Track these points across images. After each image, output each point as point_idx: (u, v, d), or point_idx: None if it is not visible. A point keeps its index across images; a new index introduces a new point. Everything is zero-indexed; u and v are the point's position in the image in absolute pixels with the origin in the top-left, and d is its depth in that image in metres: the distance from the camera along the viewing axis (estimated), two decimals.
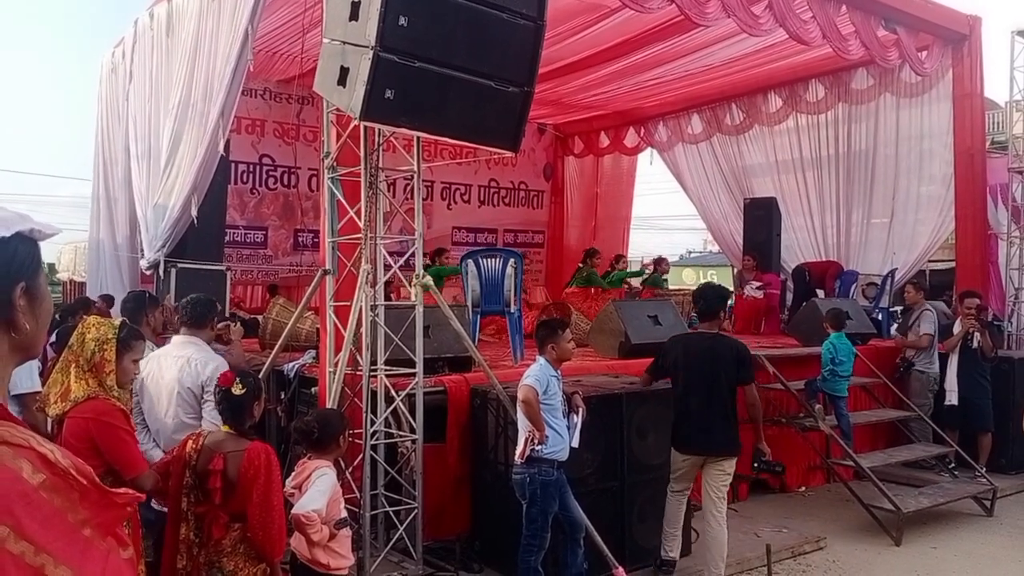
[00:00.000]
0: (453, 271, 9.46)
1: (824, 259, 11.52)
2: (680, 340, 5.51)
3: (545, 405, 4.49)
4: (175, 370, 4.18)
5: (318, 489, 3.59)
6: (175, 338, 4.43)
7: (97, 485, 1.07)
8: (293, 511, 3.50)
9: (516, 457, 4.55)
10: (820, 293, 10.92)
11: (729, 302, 13.49)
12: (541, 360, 4.71)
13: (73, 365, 3.10)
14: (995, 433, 8.06)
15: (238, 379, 3.37)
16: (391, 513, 5.04)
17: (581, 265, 11.65)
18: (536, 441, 4.45)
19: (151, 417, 4.25)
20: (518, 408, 4.62)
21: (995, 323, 9.55)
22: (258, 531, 3.15)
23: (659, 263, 12.69)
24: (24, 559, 0.95)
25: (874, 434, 8.41)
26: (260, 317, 7.87)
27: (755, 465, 5.28)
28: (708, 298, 5.55)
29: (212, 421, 4.08)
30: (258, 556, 3.23)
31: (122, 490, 1.14)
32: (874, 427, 8.31)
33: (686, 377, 5.23)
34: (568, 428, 4.77)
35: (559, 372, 4.75)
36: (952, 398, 8.04)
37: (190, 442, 3.37)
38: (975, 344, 8.07)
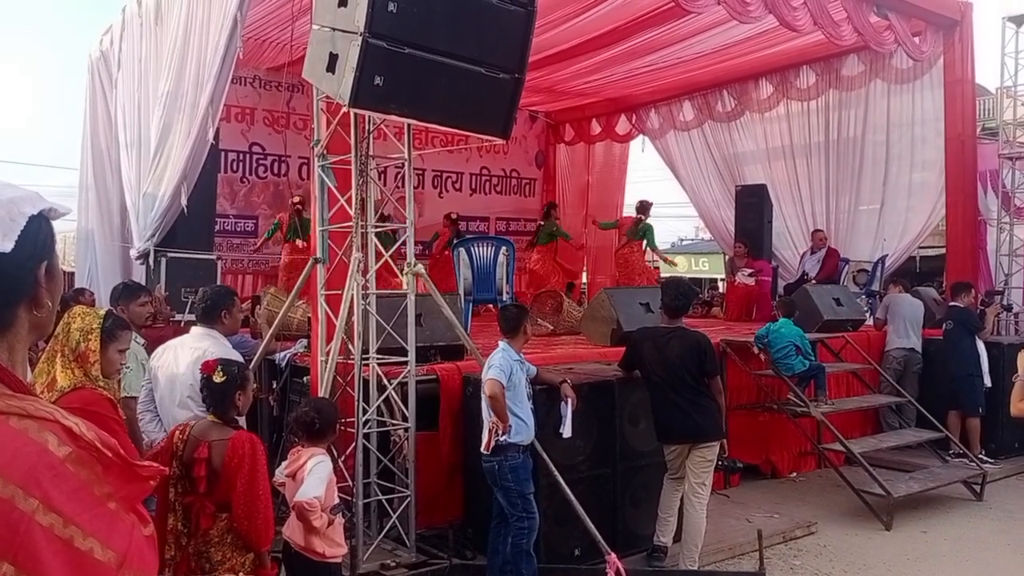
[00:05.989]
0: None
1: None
2: (645, 335, 5.47)
3: (509, 394, 4.51)
4: (191, 361, 4.09)
5: (318, 476, 3.60)
6: (193, 329, 4.36)
7: (122, 458, 1.05)
8: (296, 498, 3.50)
9: (482, 448, 4.60)
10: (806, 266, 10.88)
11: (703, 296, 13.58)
12: (503, 344, 4.71)
13: (59, 355, 3.06)
14: (984, 418, 8.10)
15: (219, 367, 3.36)
16: (384, 501, 5.04)
17: (543, 223, 12.02)
18: (500, 432, 4.49)
19: (162, 407, 4.20)
20: (483, 400, 4.62)
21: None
22: (243, 520, 3.14)
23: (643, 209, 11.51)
24: (54, 531, 0.94)
25: (864, 420, 8.45)
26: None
27: (718, 463, 5.34)
28: (675, 295, 5.43)
29: None
30: (245, 546, 3.22)
31: (146, 463, 1.12)
32: (864, 413, 8.34)
33: (654, 371, 5.23)
34: (560, 418, 4.79)
35: (522, 355, 4.76)
36: (986, 380, 8.15)
37: (177, 432, 3.36)
38: None
